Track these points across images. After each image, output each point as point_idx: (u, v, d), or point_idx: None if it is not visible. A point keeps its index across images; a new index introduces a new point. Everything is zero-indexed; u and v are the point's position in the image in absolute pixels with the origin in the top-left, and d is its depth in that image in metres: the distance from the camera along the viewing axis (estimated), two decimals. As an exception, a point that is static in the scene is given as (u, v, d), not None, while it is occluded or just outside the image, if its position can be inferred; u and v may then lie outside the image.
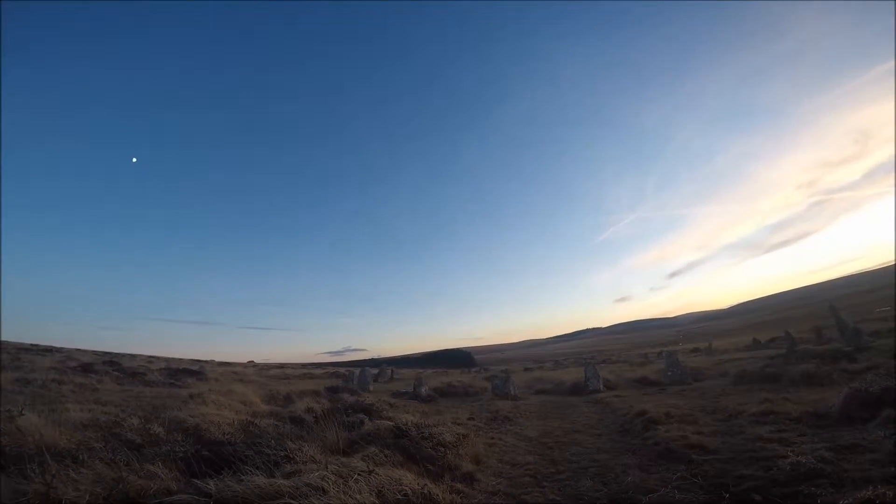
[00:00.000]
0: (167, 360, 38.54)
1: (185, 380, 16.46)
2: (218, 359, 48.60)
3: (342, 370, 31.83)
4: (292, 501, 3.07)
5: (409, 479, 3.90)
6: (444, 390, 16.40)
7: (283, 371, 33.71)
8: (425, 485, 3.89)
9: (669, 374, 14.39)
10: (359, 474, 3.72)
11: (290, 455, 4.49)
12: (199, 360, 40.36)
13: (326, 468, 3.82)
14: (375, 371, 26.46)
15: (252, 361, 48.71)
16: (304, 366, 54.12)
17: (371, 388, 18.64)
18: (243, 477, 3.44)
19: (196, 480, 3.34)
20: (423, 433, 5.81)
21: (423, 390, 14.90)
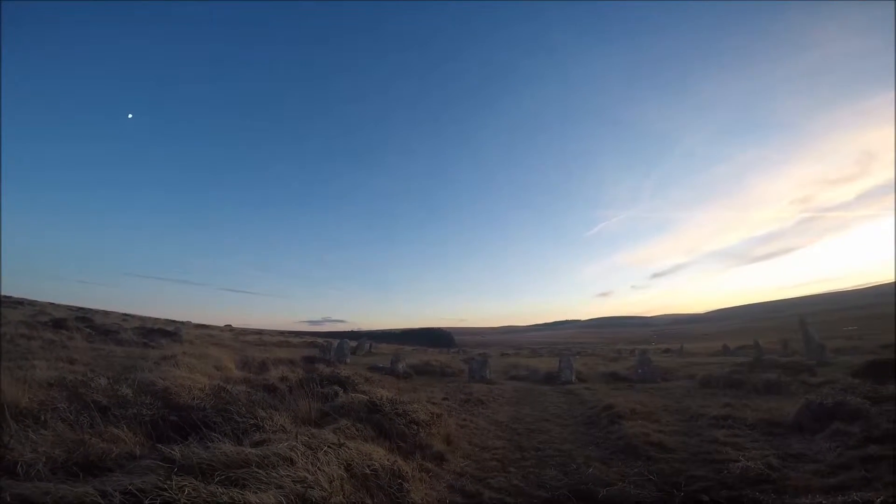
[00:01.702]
0: (142, 318, 37.97)
1: (159, 340, 16.23)
2: (195, 320, 48.10)
3: (320, 340, 31.79)
4: (259, 470, 3.06)
5: (379, 455, 3.92)
6: (422, 368, 16.56)
7: (260, 337, 33.55)
8: (395, 461, 3.91)
9: (640, 371, 14.84)
10: (329, 446, 3.72)
11: (260, 424, 4.49)
12: (175, 321, 39.79)
13: (296, 439, 3.81)
14: (354, 344, 26.57)
15: (230, 325, 48.38)
16: (281, 333, 53.93)
17: (348, 360, 18.74)
18: (210, 443, 3.41)
19: (161, 445, 3.30)
20: (397, 409, 5.83)
21: (401, 367, 15.02)
